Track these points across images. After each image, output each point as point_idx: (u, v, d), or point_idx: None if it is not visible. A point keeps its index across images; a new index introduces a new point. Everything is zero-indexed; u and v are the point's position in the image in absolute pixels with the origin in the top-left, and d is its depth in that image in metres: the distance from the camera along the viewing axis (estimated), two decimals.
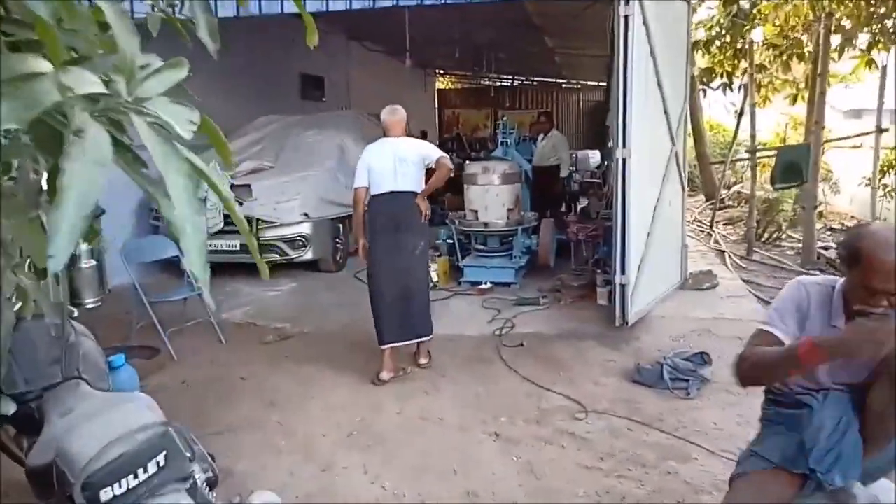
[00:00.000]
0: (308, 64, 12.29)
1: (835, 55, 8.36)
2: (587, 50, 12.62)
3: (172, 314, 5.27)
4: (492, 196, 6.30)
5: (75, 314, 4.12)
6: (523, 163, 6.93)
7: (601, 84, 20.37)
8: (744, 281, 6.72)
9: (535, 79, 20.17)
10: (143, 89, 0.91)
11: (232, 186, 6.69)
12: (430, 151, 4.49)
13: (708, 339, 4.99)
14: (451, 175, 4.79)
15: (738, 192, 12.50)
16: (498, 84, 18.84)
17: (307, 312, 5.95)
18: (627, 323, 5.04)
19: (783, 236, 9.20)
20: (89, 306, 5.47)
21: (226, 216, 6.65)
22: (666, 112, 5.61)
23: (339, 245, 7.39)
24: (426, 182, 4.51)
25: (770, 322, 2.08)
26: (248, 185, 6.74)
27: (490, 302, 5.96)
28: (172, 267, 6.38)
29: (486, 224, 6.39)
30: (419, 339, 4.51)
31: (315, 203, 6.88)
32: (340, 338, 5.25)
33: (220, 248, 6.74)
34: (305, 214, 6.70)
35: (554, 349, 4.87)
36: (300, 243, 6.78)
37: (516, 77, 19.41)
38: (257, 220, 6.61)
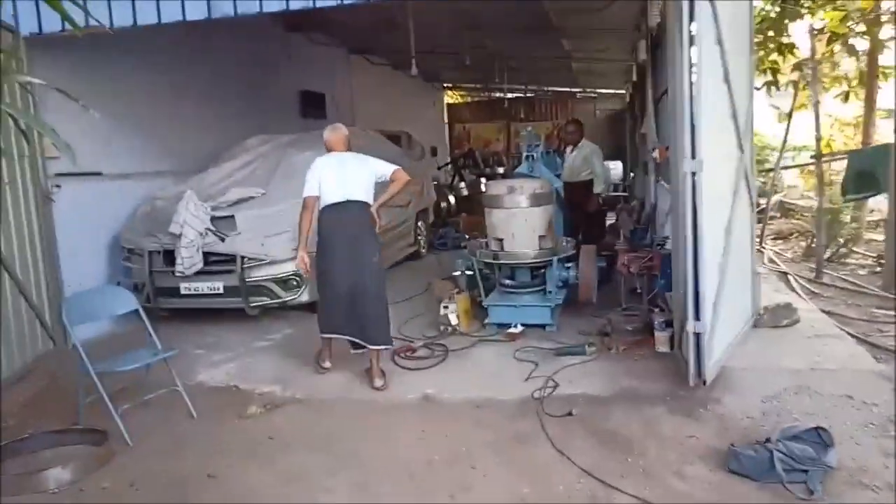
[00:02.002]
0: (308, 80, 11.43)
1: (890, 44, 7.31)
2: (608, 53, 11.61)
3: (136, 381, 4.25)
4: (520, 221, 5.24)
5: None
6: (553, 180, 5.88)
7: (619, 92, 19.39)
8: (824, 312, 5.61)
9: (550, 89, 19.19)
10: None
11: (213, 220, 5.70)
12: (381, 167, 4.59)
13: (810, 400, 3.89)
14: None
15: (782, 203, 11.37)
16: (510, 96, 17.87)
17: (302, 370, 4.91)
18: (705, 382, 3.95)
19: (848, 253, 8.07)
20: None
21: (207, 254, 5.67)
22: (734, 114, 4.55)
23: None
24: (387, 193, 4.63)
25: None
26: (232, 217, 5.73)
27: (524, 351, 4.88)
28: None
29: (513, 255, 5.32)
30: (374, 347, 4.44)
31: (311, 235, 5.85)
32: (341, 407, 4.21)
33: (199, 292, 5.75)
34: None
35: (613, 420, 3.78)
36: (294, 283, 5.74)
37: (529, 88, 18.42)
38: (242, 257, 5.59)
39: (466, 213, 11.17)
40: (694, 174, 3.81)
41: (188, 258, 5.50)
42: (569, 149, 7.25)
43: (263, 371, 4.94)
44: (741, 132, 4.72)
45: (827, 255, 7.84)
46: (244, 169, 6.77)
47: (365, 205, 4.47)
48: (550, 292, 5.31)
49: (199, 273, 5.63)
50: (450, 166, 14.35)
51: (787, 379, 4.17)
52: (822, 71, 9.48)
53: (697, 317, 3.91)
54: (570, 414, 3.85)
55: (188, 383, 4.67)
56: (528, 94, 19.36)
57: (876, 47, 8.54)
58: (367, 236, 4.49)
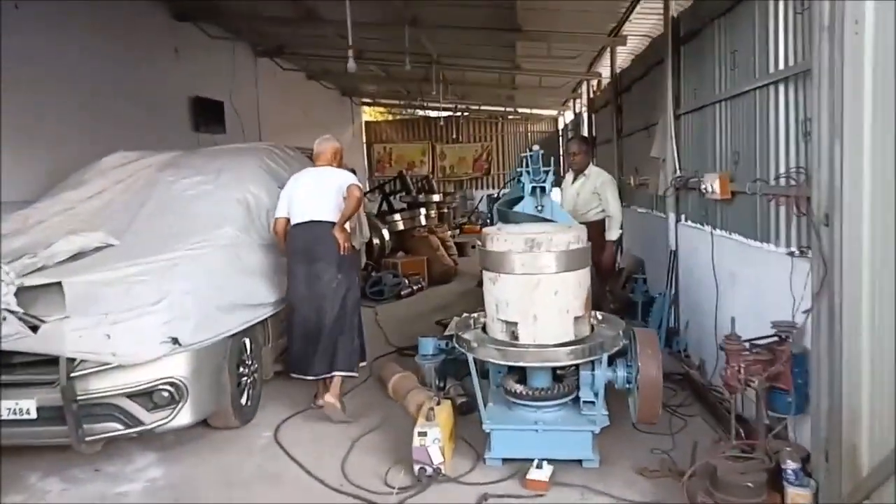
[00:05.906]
0: (202, 85, 9.03)
1: None
2: (564, 63, 9.96)
3: None
4: (546, 296, 3.22)
5: None
6: (574, 223, 3.87)
7: (550, 113, 18.01)
8: None
9: (483, 107, 17.56)
10: None
11: (20, 291, 3.33)
12: (345, 179, 4.27)
13: None
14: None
15: None
16: (442, 114, 16.02)
17: None
18: None
19: None
20: None
21: (6, 353, 3.30)
22: None
23: (245, 377, 4.12)
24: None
25: None
26: (58, 285, 3.38)
27: None
28: None
29: (535, 352, 3.28)
30: (333, 373, 4.13)
31: (197, 314, 3.58)
32: None
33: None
34: (174, 340, 3.41)
35: None
36: (166, 396, 3.46)
37: (459, 105, 16.67)
38: (70, 360, 3.27)
39: (404, 252, 9.10)
40: None
41: None
42: (568, 177, 5.33)
43: None
44: None
45: None
46: (91, 201, 4.42)
47: (331, 224, 4.14)
48: (593, 405, 3.32)
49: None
50: (376, 192, 12.20)
51: None
52: None
53: None
54: None
55: None
56: (458, 113, 17.62)
57: None
58: (325, 261, 4.12)
